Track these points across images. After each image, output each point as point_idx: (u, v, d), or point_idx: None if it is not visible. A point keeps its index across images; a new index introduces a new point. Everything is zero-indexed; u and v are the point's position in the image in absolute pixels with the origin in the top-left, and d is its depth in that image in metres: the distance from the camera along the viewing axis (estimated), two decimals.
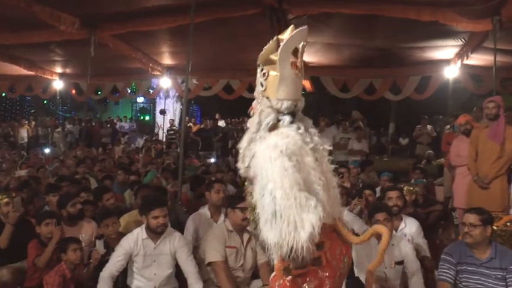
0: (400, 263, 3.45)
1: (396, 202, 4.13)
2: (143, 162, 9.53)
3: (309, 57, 11.13)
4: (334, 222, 2.00)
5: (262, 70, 2.05)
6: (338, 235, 2.02)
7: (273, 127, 2.02)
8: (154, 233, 3.51)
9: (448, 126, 9.49)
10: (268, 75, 2.01)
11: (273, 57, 1.95)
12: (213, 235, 3.70)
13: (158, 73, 13.50)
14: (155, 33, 9.88)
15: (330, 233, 1.97)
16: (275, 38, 2.00)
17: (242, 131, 14.62)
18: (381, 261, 2.13)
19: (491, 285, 2.99)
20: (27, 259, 3.79)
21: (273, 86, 1.99)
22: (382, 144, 20.00)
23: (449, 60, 10.91)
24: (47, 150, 12.59)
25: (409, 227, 4.04)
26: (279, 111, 2.02)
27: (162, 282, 3.51)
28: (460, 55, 10.16)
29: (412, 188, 4.92)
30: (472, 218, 3.13)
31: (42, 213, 4.13)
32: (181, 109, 19.29)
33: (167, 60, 12.98)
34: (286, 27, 7.14)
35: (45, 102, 25.54)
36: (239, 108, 21.94)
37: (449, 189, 6.44)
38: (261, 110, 2.07)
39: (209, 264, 3.55)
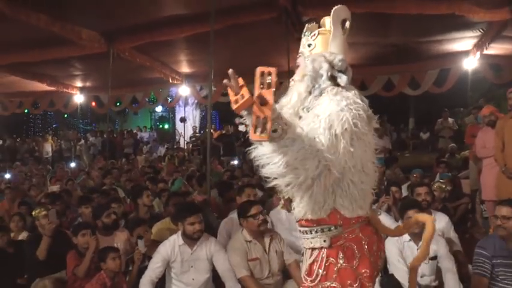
0: (434, 258, 3.45)
1: (425, 197, 4.16)
2: (167, 170, 9.66)
3: None
4: (368, 214, 1.88)
5: (311, 33, 1.95)
6: (373, 229, 1.91)
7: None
8: (191, 239, 3.59)
9: (466, 118, 9.37)
10: (318, 35, 1.92)
11: (326, 19, 1.92)
12: (233, 249, 3.67)
13: (177, 81, 13.68)
14: (172, 42, 10.06)
15: (365, 227, 1.86)
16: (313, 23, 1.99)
17: None
18: (427, 253, 2.02)
19: None
20: (67, 269, 3.91)
21: (324, 42, 1.90)
22: (403, 140, 19.77)
23: (468, 51, 10.83)
24: (72, 164, 12.83)
25: (439, 222, 4.02)
26: (331, 64, 1.87)
27: (200, 287, 3.59)
28: (479, 46, 10.07)
29: (443, 186, 4.90)
30: (504, 210, 3.12)
31: (78, 224, 4.26)
32: (201, 116, 19.50)
33: (185, 68, 13.17)
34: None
35: (65, 116, 26.03)
36: None
37: (475, 181, 6.38)
38: (312, 59, 1.90)
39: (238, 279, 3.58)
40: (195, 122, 18.87)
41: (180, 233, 3.65)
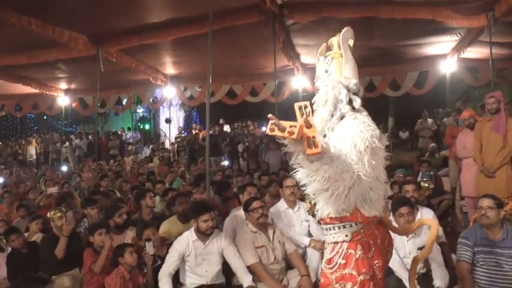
0: (422, 248, 3.82)
1: (413, 194, 4.56)
2: (159, 171, 9.86)
3: (310, 58, 11.53)
4: (381, 215, 2.28)
5: (325, 59, 2.30)
6: (385, 227, 2.31)
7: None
8: (204, 235, 3.89)
9: (446, 119, 9.82)
10: (332, 60, 2.27)
11: (334, 40, 2.27)
12: (242, 240, 4.07)
13: (162, 83, 13.84)
14: (159, 45, 10.25)
15: (379, 226, 2.23)
16: (323, 45, 2.33)
17: (248, 134, 15.00)
18: (430, 252, 2.42)
19: (504, 262, 3.37)
20: (84, 266, 4.15)
21: (339, 68, 2.24)
22: None
23: (446, 54, 11.29)
24: (64, 168, 12.90)
25: (426, 216, 4.39)
26: (348, 88, 2.22)
27: (212, 278, 3.90)
28: (457, 49, 10.52)
29: (427, 185, 5.29)
30: (487, 201, 3.51)
31: (94, 224, 4.50)
32: (184, 117, 19.67)
33: (170, 69, 13.33)
34: (287, 32, 7.68)
35: (45, 117, 25.77)
36: (240, 112, 22.36)
37: (455, 179, 6.81)
38: (332, 86, 2.24)
39: (248, 266, 3.91)
40: (179, 122, 19.07)
41: (193, 229, 3.94)
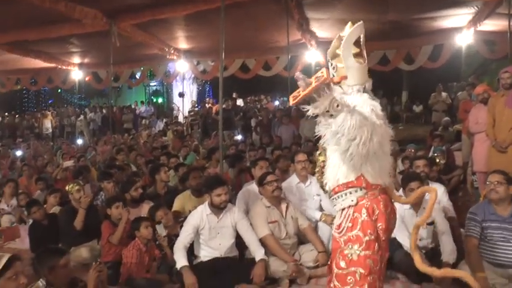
0: (431, 223, 3.89)
1: (423, 169, 4.61)
2: (173, 145, 9.99)
3: (323, 32, 11.42)
4: (385, 185, 2.43)
5: (331, 64, 2.44)
6: (388, 196, 2.46)
7: None
8: (217, 209, 4.00)
9: (460, 93, 9.73)
10: (337, 67, 2.41)
11: (338, 51, 2.37)
12: (255, 214, 4.18)
13: (174, 57, 13.86)
14: (172, 19, 10.24)
15: (382, 194, 2.40)
16: (337, 35, 2.41)
17: (261, 108, 15.03)
18: (429, 216, 2.53)
19: None
20: (102, 237, 4.33)
21: (343, 73, 2.38)
22: (397, 113, 20.17)
23: (462, 27, 11.08)
24: (79, 141, 13.13)
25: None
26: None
27: (226, 251, 4.02)
28: (473, 22, 10.33)
29: (438, 160, 5.31)
30: (497, 176, 3.56)
31: (112, 197, 4.66)
32: (197, 90, 19.71)
33: (183, 44, 13.32)
34: (300, 6, 7.60)
35: (59, 91, 25.99)
36: (254, 86, 22.29)
37: (467, 154, 6.80)
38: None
39: (260, 239, 4.03)
40: (192, 96, 19.13)
41: (207, 203, 4.05)
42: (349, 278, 2.31)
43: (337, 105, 2.10)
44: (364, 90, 2.43)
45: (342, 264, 2.35)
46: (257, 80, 15.88)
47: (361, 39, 2.39)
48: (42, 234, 4.70)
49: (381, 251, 2.36)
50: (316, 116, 2.17)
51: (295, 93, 2.13)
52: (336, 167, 2.39)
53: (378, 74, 15.71)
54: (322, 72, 2.08)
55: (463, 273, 2.56)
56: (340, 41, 2.38)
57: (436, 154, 5.53)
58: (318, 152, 2.61)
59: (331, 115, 2.12)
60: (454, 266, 3.66)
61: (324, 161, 2.55)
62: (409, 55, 13.02)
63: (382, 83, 19.76)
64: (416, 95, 19.85)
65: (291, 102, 2.17)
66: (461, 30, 11.20)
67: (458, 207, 5.44)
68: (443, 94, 12.88)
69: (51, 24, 9.79)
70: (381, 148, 2.28)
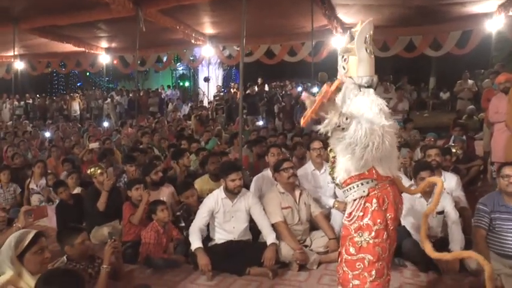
0: (441, 213, 3.94)
1: (435, 158, 4.66)
2: (195, 129, 10.18)
3: (349, 18, 11.32)
4: (394, 176, 2.56)
5: (343, 57, 2.56)
6: (397, 187, 2.58)
7: None
8: (232, 193, 4.14)
9: (485, 81, 9.54)
10: (348, 60, 2.53)
11: (350, 46, 2.50)
12: (269, 199, 4.30)
13: (200, 42, 14.00)
14: (197, 5, 10.34)
15: (392, 185, 2.52)
16: (348, 32, 2.57)
17: (285, 94, 15.06)
18: (437, 205, 2.67)
19: None
20: (123, 218, 4.56)
21: (353, 67, 2.51)
22: (423, 100, 19.87)
23: (492, 13, 10.79)
24: (106, 124, 13.50)
25: (449, 181, 4.49)
26: (360, 86, 2.52)
27: (240, 234, 4.17)
28: (504, 7, 10.03)
29: (454, 150, 5.31)
30: (507, 170, 3.55)
31: (132, 180, 4.88)
32: (223, 75, 19.83)
33: (209, 29, 13.42)
34: None
35: (87, 74, 26.54)
36: (279, 71, 22.28)
37: (488, 144, 6.72)
38: (345, 87, 2.57)
39: (272, 225, 4.17)
40: (218, 81, 19.28)
41: (222, 187, 4.20)
42: (358, 264, 2.45)
43: (346, 118, 2.26)
44: (372, 83, 2.54)
45: (352, 250, 2.48)
46: (283, 65, 15.88)
47: (369, 36, 2.52)
48: (68, 214, 4.98)
49: (390, 240, 2.48)
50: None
51: (304, 114, 2.31)
52: (348, 161, 2.48)
53: (405, 59, 15.55)
54: (324, 88, 2.25)
55: (471, 253, 2.68)
56: (351, 37, 2.52)
57: (453, 144, 5.50)
58: (329, 148, 2.71)
59: (343, 128, 2.28)
60: None
61: (334, 157, 2.65)
62: (436, 41, 12.77)
63: (409, 69, 19.51)
64: (444, 82, 19.51)
65: (302, 123, 2.35)
66: (492, 15, 10.89)
67: (475, 197, 5.45)
68: (470, 82, 12.63)
69: (80, 9, 10.05)
70: (390, 145, 2.41)
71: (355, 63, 2.50)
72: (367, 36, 2.50)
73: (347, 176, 2.53)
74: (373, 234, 2.43)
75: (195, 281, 3.90)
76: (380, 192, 2.47)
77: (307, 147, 5.25)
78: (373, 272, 2.43)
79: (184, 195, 4.55)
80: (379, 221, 2.44)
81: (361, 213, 2.48)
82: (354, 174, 2.49)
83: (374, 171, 2.47)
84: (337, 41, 12.70)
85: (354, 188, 2.51)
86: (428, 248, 2.57)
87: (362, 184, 2.48)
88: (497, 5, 10.30)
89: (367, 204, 2.47)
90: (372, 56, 2.54)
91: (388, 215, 2.47)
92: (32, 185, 6.42)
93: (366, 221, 2.46)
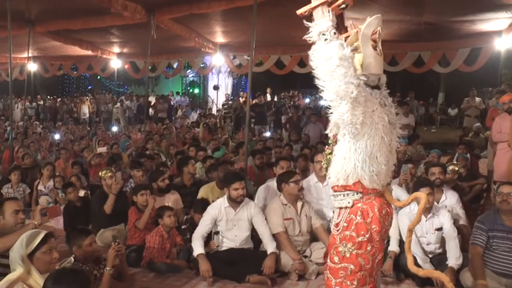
0: (439, 229, 4.01)
1: (439, 176, 4.68)
2: (203, 137, 10.29)
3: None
4: (383, 189, 2.56)
5: None
6: (384, 200, 2.58)
7: None
8: (235, 202, 4.25)
9: (491, 100, 9.60)
10: (354, 57, 2.38)
11: (357, 43, 2.43)
12: (272, 210, 4.37)
13: (211, 50, 14.18)
14: (209, 14, 10.52)
15: (378, 197, 2.52)
16: (355, 30, 2.47)
17: (292, 105, 15.18)
18: (419, 221, 2.67)
19: None
20: (128, 222, 4.67)
21: (359, 64, 2.40)
22: (431, 115, 19.91)
23: (501, 31, 10.87)
24: (114, 128, 13.66)
25: (450, 199, 4.56)
26: (366, 84, 2.38)
27: (241, 242, 4.27)
28: None
29: (457, 168, 5.35)
30: (508, 188, 3.62)
31: (138, 185, 5.00)
32: (233, 83, 19.99)
33: (220, 38, 13.60)
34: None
35: (98, 77, 26.80)
36: (288, 82, 22.42)
37: (492, 163, 6.76)
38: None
39: (273, 235, 4.25)
40: (227, 89, 19.44)
41: (226, 196, 4.30)
42: (341, 272, 2.51)
43: (334, 33, 2.24)
44: (379, 83, 2.48)
45: (336, 259, 2.54)
46: (292, 75, 16.00)
47: (378, 32, 2.43)
48: (75, 215, 5.11)
49: (374, 250, 2.52)
50: None
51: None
52: (339, 167, 2.51)
53: (414, 74, 15.61)
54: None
55: (439, 273, 2.73)
56: (357, 33, 2.45)
57: (455, 162, 5.55)
58: (326, 149, 2.73)
59: (326, 39, 2.25)
60: (458, 272, 3.79)
61: (330, 154, 2.66)
62: (444, 57, 12.85)
63: (418, 84, 19.56)
64: (453, 98, 19.52)
65: (298, 11, 2.35)
66: (501, 34, 10.97)
67: (477, 216, 5.49)
68: (477, 99, 12.67)
69: (94, 15, 10.26)
70: (380, 150, 2.43)
71: (360, 60, 2.40)
72: (377, 32, 2.41)
73: (336, 182, 2.56)
74: (356, 245, 2.48)
75: (196, 286, 3.99)
76: (364, 204, 2.50)
77: (310, 159, 5.34)
78: (355, 282, 2.49)
79: (197, 216, 4.56)
80: (362, 232, 2.48)
81: (346, 224, 2.52)
82: (340, 185, 2.53)
83: (360, 185, 2.48)
84: None
85: (339, 196, 2.55)
86: (409, 261, 2.60)
87: (347, 195, 2.52)
88: (507, 24, 10.38)
89: (351, 215, 2.51)
90: (381, 54, 2.45)
91: (373, 226, 2.49)
92: (41, 187, 6.56)
93: (350, 232, 2.50)
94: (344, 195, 2.54)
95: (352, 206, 2.52)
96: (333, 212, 2.68)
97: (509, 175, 5.39)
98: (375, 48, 2.43)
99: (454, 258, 3.84)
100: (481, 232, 3.64)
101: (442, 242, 4.05)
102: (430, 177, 4.65)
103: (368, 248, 2.49)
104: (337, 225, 2.59)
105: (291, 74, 14.92)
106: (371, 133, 2.40)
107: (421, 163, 6.73)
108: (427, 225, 4.05)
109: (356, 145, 2.43)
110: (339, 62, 2.23)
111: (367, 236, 2.48)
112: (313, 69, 2.37)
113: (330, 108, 2.42)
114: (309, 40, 2.35)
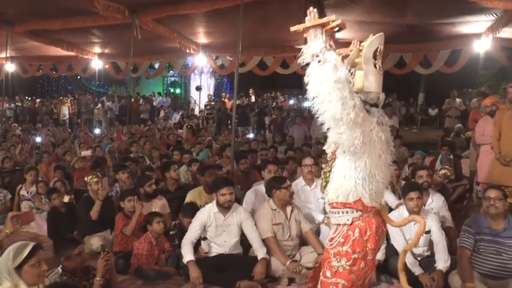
0: (428, 232, 4.05)
1: (426, 179, 4.75)
2: (186, 139, 10.22)
3: (341, 33, 11.49)
4: (380, 207, 2.60)
5: (349, 71, 2.42)
6: (381, 218, 2.63)
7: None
8: (223, 208, 4.22)
9: (474, 100, 9.80)
10: (354, 74, 2.41)
11: (358, 60, 2.41)
12: (261, 215, 4.36)
13: (193, 51, 14.08)
14: (192, 15, 10.45)
15: (376, 216, 2.56)
16: (357, 46, 2.46)
17: (276, 107, 15.21)
18: (416, 244, 2.74)
19: (504, 251, 3.56)
20: (115, 228, 4.60)
21: (360, 81, 2.38)
22: (412, 115, 20.16)
23: (481, 34, 11.06)
24: (97, 130, 13.46)
25: (436, 202, 4.63)
26: (365, 101, 2.42)
27: (231, 248, 4.25)
28: (492, 29, 10.28)
29: (449, 174, 5.40)
30: (496, 192, 3.67)
31: (125, 191, 4.92)
32: (215, 84, 19.92)
33: (202, 39, 13.52)
34: (321, 8, 7.79)
35: (78, 77, 26.32)
36: (270, 83, 22.42)
37: (474, 164, 6.88)
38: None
39: (263, 240, 4.24)
40: (210, 90, 19.36)
41: (215, 202, 4.27)
42: (331, 287, 2.51)
43: (328, 51, 2.23)
44: (378, 101, 2.48)
45: (328, 273, 2.54)
46: (275, 77, 16.00)
47: (379, 50, 2.42)
48: (59, 221, 5.01)
49: (366, 268, 2.54)
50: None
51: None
52: (339, 184, 2.52)
53: (395, 74, 15.77)
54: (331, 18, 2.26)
55: None
56: (359, 50, 2.43)
57: (446, 167, 5.60)
58: (324, 167, 2.73)
59: (319, 61, 2.23)
60: (446, 274, 3.84)
61: (330, 171, 2.66)
62: (426, 59, 13.02)
63: (399, 84, 19.76)
64: (433, 98, 19.79)
65: (291, 28, 2.33)
66: (480, 36, 11.17)
67: (461, 216, 5.59)
68: (458, 100, 12.90)
69: (75, 15, 10.08)
70: (378, 169, 2.46)
71: (361, 77, 2.38)
72: (378, 50, 2.40)
73: (335, 199, 2.56)
74: (350, 261, 2.49)
75: None
76: (363, 222, 2.52)
77: (298, 162, 5.35)
78: None
79: (186, 220, 4.52)
80: (358, 250, 2.49)
81: (342, 240, 2.53)
82: (340, 202, 2.53)
83: (360, 203, 2.50)
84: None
85: (338, 213, 2.56)
86: (402, 280, 2.65)
87: (347, 212, 2.53)
88: (485, 27, 10.58)
89: (349, 232, 2.52)
90: (381, 71, 2.43)
91: (369, 245, 2.51)
92: (23, 192, 6.39)
93: (346, 248, 2.51)
94: (343, 213, 2.54)
95: (351, 224, 2.53)
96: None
97: (491, 177, 5.48)
98: (374, 65, 2.41)
99: (442, 261, 3.90)
100: (469, 235, 3.69)
101: (430, 244, 4.10)
102: (417, 180, 4.71)
103: (361, 265, 2.51)
104: (332, 239, 2.60)
105: (273, 75, 14.93)
106: (370, 152, 2.41)
107: (405, 165, 6.80)
108: (416, 228, 4.07)
109: (356, 163, 2.44)
110: (333, 84, 2.22)
111: (362, 253, 2.50)
112: (309, 92, 2.34)
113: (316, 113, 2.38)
114: (302, 62, 2.32)
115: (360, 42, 2.46)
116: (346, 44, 2.64)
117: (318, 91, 2.27)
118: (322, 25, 2.27)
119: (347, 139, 2.32)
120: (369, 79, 2.37)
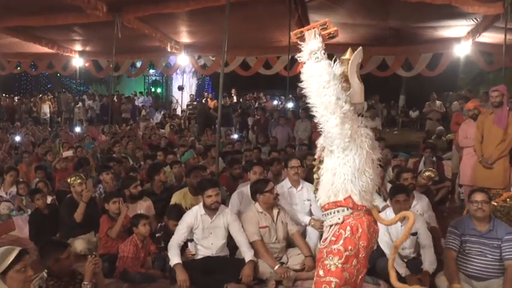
0: (414, 234, 4.09)
1: (411, 181, 4.83)
2: (169, 138, 10.11)
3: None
4: (371, 206, 2.66)
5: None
6: (372, 217, 2.66)
7: None
8: (210, 210, 4.18)
9: (453, 104, 9.98)
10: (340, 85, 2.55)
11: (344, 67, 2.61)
12: (248, 218, 4.34)
13: (176, 51, 13.97)
14: (175, 14, 10.37)
15: (367, 214, 2.62)
16: (340, 59, 2.65)
17: (259, 107, 15.19)
18: (406, 238, 2.81)
19: (488, 252, 3.62)
20: (100, 231, 4.51)
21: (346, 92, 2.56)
22: (393, 117, 20.39)
23: (461, 38, 11.26)
24: (77, 129, 13.22)
25: (420, 203, 4.68)
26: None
27: (217, 250, 4.22)
28: (472, 33, 10.50)
29: (433, 175, 5.46)
30: (482, 195, 3.73)
31: (110, 192, 4.84)
32: (197, 84, 19.79)
33: (185, 38, 13.44)
34: (304, 9, 7.92)
35: (58, 75, 25.86)
36: (252, 83, 22.38)
37: (456, 166, 7.01)
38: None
39: (250, 243, 4.21)
40: (192, 90, 19.24)
41: (201, 204, 4.23)
42: (324, 285, 2.55)
43: (324, 53, 2.46)
44: (362, 111, 2.66)
45: (321, 272, 2.59)
46: (257, 77, 16.00)
47: (358, 63, 2.62)
48: (42, 223, 4.89)
49: (359, 265, 2.58)
50: (310, 116, 2.57)
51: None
52: (328, 184, 2.61)
53: (376, 76, 15.95)
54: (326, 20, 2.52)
55: None
56: (344, 63, 2.62)
57: (430, 169, 5.66)
58: (314, 170, 2.82)
59: (317, 58, 2.46)
60: (433, 275, 3.89)
61: (318, 179, 2.76)
62: (407, 62, 13.20)
63: (380, 86, 19.98)
64: (413, 100, 20.02)
65: (293, 36, 2.57)
66: (460, 40, 11.38)
67: (444, 218, 5.68)
68: (438, 103, 13.11)
69: (56, 12, 9.89)
70: (366, 165, 2.56)
71: (347, 89, 2.56)
72: (358, 64, 2.60)
73: (327, 200, 2.64)
74: (343, 259, 2.54)
75: None
76: (355, 220, 2.58)
77: (284, 164, 5.34)
78: None
79: (172, 223, 4.45)
80: (350, 247, 2.55)
81: (334, 239, 2.59)
82: (332, 201, 2.61)
83: (350, 200, 2.58)
84: None
85: (330, 214, 2.64)
86: (392, 277, 2.68)
87: (338, 211, 2.60)
88: (466, 31, 10.78)
89: (341, 230, 2.58)
90: (362, 83, 2.62)
91: (361, 242, 2.57)
92: (1, 193, 6.25)
93: (338, 246, 2.56)
94: (335, 212, 2.62)
95: (343, 222, 2.59)
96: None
97: (474, 179, 5.58)
98: (358, 78, 2.61)
99: (428, 263, 3.94)
100: (455, 237, 3.75)
101: (417, 246, 4.15)
102: (402, 182, 4.75)
103: (354, 263, 2.56)
104: (324, 240, 2.66)
105: (255, 75, 14.93)
106: (358, 147, 2.53)
107: (388, 167, 6.86)
108: (403, 230, 4.11)
109: (345, 160, 2.54)
110: (329, 78, 2.43)
111: (354, 251, 2.55)
112: (304, 88, 2.56)
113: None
114: (300, 59, 2.55)
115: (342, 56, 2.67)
116: (330, 46, 2.75)
117: (314, 85, 2.47)
118: (321, 28, 2.50)
119: (339, 132, 2.47)
120: (354, 91, 2.57)
